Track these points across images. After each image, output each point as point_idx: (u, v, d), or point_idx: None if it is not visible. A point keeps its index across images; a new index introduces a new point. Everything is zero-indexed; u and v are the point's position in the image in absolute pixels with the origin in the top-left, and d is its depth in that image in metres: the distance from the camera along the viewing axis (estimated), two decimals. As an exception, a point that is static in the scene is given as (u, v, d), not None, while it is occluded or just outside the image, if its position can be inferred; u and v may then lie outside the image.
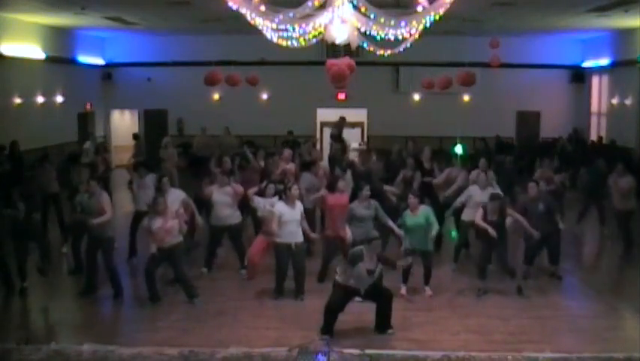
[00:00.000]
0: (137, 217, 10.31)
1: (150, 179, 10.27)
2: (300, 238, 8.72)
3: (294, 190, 8.72)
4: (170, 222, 8.40)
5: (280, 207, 8.62)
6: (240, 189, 9.85)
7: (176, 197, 9.43)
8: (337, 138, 20.04)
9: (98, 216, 8.70)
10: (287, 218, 8.55)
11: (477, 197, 9.84)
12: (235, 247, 9.96)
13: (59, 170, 12.39)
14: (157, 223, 8.31)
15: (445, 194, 10.78)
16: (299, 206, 8.72)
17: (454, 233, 11.40)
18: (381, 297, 7.55)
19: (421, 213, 8.84)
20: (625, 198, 11.17)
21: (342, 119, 20.05)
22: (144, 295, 8.62)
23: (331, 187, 9.66)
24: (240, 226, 10.02)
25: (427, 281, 9.01)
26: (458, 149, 17.18)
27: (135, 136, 18.49)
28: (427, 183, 11.10)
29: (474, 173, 10.69)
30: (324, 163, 12.21)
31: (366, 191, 8.96)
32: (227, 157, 11.76)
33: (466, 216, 10.01)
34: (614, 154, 16.65)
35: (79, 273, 9.69)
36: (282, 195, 8.90)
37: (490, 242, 8.84)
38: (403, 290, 8.91)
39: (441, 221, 10.97)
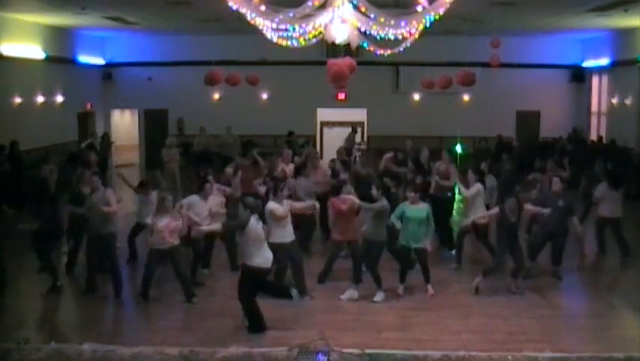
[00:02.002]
0: (137, 229, 10.36)
1: (155, 196, 10.26)
2: (293, 237, 8.76)
3: (285, 191, 8.76)
4: (174, 222, 8.47)
5: (274, 205, 8.63)
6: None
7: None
8: (349, 152, 20.04)
9: (102, 212, 8.79)
10: (283, 216, 8.58)
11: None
12: (228, 248, 9.98)
13: (60, 170, 12.39)
14: (162, 222, 8.39)
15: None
16: (287, 205, 8.74)
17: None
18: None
19: (423, 208, 8.87)
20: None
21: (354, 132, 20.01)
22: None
23: (335, 191, 9.67)
24: None
25: (427, 280, 9.02)
26: (458, 148, 17.19)
27: (104, 135, 18.40)
28: (426, 183, 11.15)
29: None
30: (324, 165, 12.17)
31: (373, 191, 8.94)
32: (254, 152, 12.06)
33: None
34: (613, 154, 16.68)
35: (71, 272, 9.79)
36: (272, 193, 9.00)
37: (508, 243, 8.88)
38: (400, 290, 8.93)
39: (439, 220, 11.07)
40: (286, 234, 8.61)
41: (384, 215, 8.70)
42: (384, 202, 8.74)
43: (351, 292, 8.79)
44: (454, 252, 10.53)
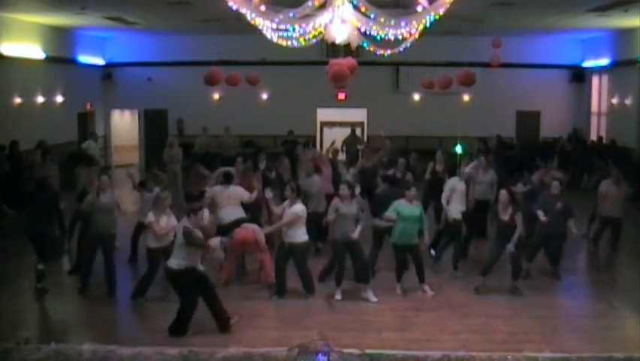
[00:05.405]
0: (139, 228, 10.32)
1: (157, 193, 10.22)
2: (299, 238, 8.72)
3: (287, 191, 8.78)
4: (173, 218, 8.51)
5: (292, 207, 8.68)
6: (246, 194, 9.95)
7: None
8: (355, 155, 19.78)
9: (109, 212, 8.86)
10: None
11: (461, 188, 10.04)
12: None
13: (61, 170, 12.36)
14: (163, 221, 8.43)
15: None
16: (295, 206, 8.72)
17: None
18: None
19: (417, 205, 8.90)
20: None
21: (354, 135, 19.65)
22: (145, 295, 8.65)
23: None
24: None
25: (421, 278, 8.99)
26: (458, 149, 17.17)
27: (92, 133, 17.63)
28: (434, 181, 11.23)
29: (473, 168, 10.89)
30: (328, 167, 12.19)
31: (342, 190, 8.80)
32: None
33: (455, 213, 9.93)
34: (613, 154, 16.67)
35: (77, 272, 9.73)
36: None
37: (503, 241, 8.87)
38: (398, 289, 8.92)
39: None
40: (297, 235, 8.63)
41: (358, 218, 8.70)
42: (351, 207, 8.65)
43: (339, 292, 8.81)
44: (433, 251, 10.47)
